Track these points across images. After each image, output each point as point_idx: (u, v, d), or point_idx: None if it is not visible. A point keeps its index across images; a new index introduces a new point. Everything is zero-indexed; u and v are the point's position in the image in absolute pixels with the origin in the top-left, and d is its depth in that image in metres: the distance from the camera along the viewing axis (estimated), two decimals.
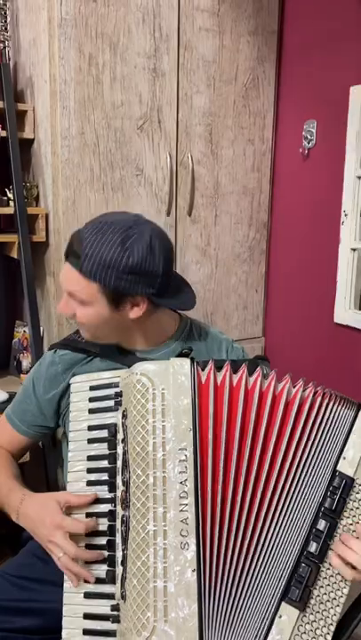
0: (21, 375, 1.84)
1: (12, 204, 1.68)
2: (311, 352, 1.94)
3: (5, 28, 1.70)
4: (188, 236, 1.89)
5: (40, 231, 1.68)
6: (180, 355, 1.00)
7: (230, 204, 1.96)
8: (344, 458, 0.89)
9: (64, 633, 0.93)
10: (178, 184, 1.83)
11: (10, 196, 1.69)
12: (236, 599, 0.86)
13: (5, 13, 1.71)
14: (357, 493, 0.89)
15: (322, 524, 0.87)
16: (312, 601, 0.86)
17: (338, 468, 0.89)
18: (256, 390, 0.92)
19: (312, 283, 1.91)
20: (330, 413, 0.92)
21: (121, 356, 1.12)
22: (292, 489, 0.90)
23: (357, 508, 0.88)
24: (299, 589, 0.85)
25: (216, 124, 1.87)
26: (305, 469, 0.90)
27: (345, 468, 0.89)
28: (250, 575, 0.87)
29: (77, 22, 1.56)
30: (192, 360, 0.95)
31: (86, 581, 0.95)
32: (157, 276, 1.01)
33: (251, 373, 0.95)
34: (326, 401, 0.92)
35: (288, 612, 0.85)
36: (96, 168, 1.67)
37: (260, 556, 0.88)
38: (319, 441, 0.91)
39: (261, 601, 0.86)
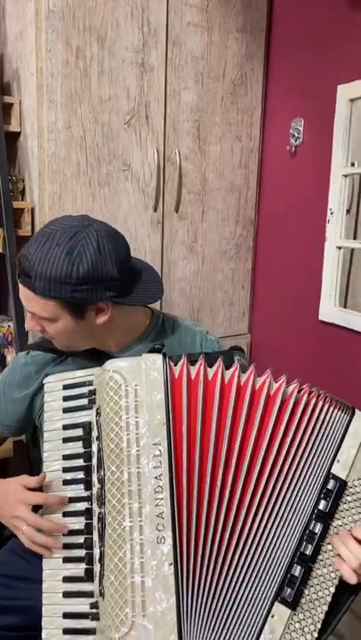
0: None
1: None
2: (296, 349, 1.95)
3: None
4: (174, 233, 1.88)
5: (26, 225, 1.67)
6: (153, 350, 0.98)
7: (217, 201, 1.96)
8: (338, 461, 0.91)
9: (44, 633, 0.93)
10: (165, 180, 1.82)
11: None
12: (219, 594, 0.87)
13: None
14: (348, 496, 0.90)
15: (316, 527, 0.88)
16: (302, 600, 0.87)
17: (332, 471, 0.90)
18: (233, 384, 0.92)
19: (298, 280, 1.92)
20: (326, 416, 0.92)
21: (93, 355, 1.12)
22: (284, 489, 0.90)
23: (348, 509, 0.90)
24: (292, 590, 0.86)
25: (204, 121, 1.87)
26: (298, 471, 0.91)
27: (339, 471, 0.90)
28: (235, 571, 0.88)
29: (65, 15, 1.55)
30: (164, 355, 0.95)
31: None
32: (113, 278, 0.99)
33: (227, 365, 0.95)
34: (322, 403, 0.93)
35: (280, 612, 0.86)
36: (83, 162, 1.66)
37: (246, 552, 0.88)
38: (315, 443, 0.92)
39: (251, 598, 0.87)
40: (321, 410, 0.92)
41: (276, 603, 0.86)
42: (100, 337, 1.08)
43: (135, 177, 1.76)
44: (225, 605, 0.87)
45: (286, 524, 0.89)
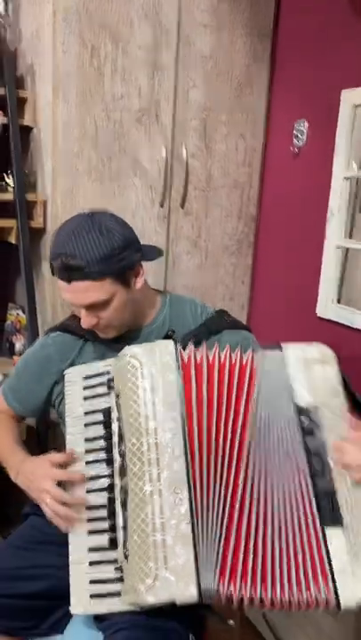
0: (14, 357, 1.89)
1: (9, 189, 1.72)
2: (293, 342, 2.03)
3: (8, 16, 1.73)
4: (180, 228, 1.95)
5: (38, 217, 1.73)
6: (165, 337, 1.11)
7: (221, 198, 2.02)
8: (297, 393, 1.01)
9: (73, 600, 1.01)
10: (172, 176, 1.88)
11: (8, 181, 1.73)
12: (236, 544, 0.95)
13: (7, 1, 1.74)
14: (324, 413, 0.99)
15: (314, 453, 0.98)
16: (343, 513, 0.94)
17: (298, 404, 1.00)
18: (227, 364, 1.04)
19: (297, 277, 2.00)
20: (260, 365, 1.03)
21: (111, 342, 1.20)
22: (263, 435, 1.00)
23: (332, 423, 0.99)
24: (329, 511, 0.94)
25: (210, 119, 1.93)
26: (268, 419, 1.00)
27: (302, 401, 1.00)
28: (250, 517, 0.96)
29: (81, 15, 1.60)
30: (175, 341, 1.07)
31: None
32: (136, 240, 1.14)
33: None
34: (251, 357, 1.04)
35: (335, 535, 0.94)
36: (94, 158, 1.72)
37: (254, 501, 0.96)
38: (266, 390, 1.02)
39: (300, 538, 0.94)
40: (253, 362, 1.04)
41: (326, 529, 0.94)
42: (140, 307, 1.19)
43: (144, 173, 1.82)
44: (257, 552, 0.94)
45: (285, 462, 0.98)
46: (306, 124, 1.89)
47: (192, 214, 1.97)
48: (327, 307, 1.84)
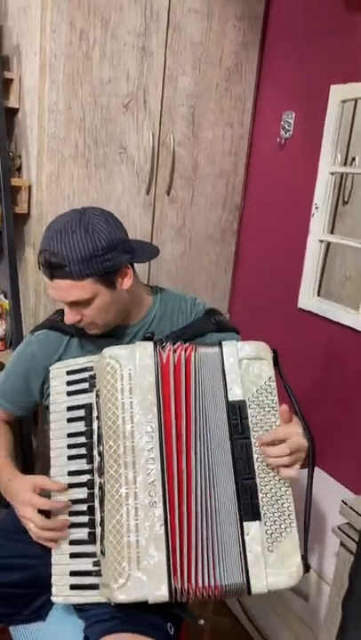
0: None
1: None
2: (273, 333, 2.05)
3: None
4: (165, 216, 1.95)
5: (22, 203, 1.71)
6: (145, 339, 1.11)
7: (207, 186, 2.02)
8: (230, 389, 1.04)
9: (54, 589, 1.05)
10: (159, 164, 1.87)
11: None
12: (208, 538, 0.99)
13: None
14: (254, 408, 1.03)
15: (240, 447, 1.02)
16: (264, 508, 1.01)
17: (229, 399, 1.04)
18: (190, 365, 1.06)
19: (279, 267, 2.02)
20: (198, 356, 1.06)
21: (99, 337, 1.21)
22: (202, 435, 1.03)
23: (262, 418, 1.03)
24: (249, 506, 1.00)
25: (199, 106, 1.92)
26: (202, 415, 1.04)
27: (235, 396, 1.04)
28: (210, 514, 1.01)
29: None
30: (155, 343, 1.07)
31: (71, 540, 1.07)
32: (125, 241, 1.13)
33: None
34: (190, 351, 1.06)
35: (252, 527, 1.00)
36: (81, 144, 1.69)
37: (212, 496, 1.01)
38: (202, 386, 1.05)
39: (227, 530, 1.00)
40: (191, 356, 1.06)
41: (244, 522, 1.00)
42: (126, 307, 1.19)
43: (130, 160, 1.80)
44: (216, 546, 1.00)
45: (219, 460, 1.02)
46: (293, 116, 1.89)
47: (177, 202, 1.97)
48: (309, 299, 1.87)
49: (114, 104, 1.72)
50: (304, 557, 1.01)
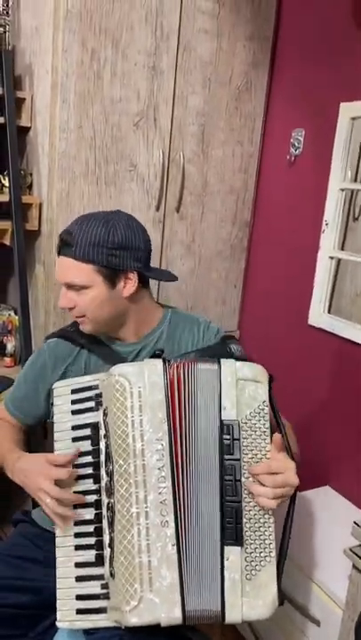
0: (5, 358, 1.88)
1: (5, 190, 1.71)
2: (283, 349, 2.05)
3: (7, 13, 1.71)
4: (174, 232, 1.95)
5: (33, 220, 1.72)
6: (154, 355, 1.09)
7: (216, 203, 2.03)
8: (225, 408, 1.02)
9: (59, 615, 1.02)
10: (168, 181, 1.88)
11: (3, 182, 1.72)
12: (200, 559, 0.97)
13: None
14: (246, 431, 1.01)
15: (228, 469, 1.00)
16: (247, 533, 0.98)
17: (223, 418, 1.01)
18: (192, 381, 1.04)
19: (289, 284, 2.01)
20: (196, 379, 1.04)
21: (106, 351, 1.21)
22: (197, 451, 1.01)
23: (252, 442, 1.01)
24: (232, 530, 0.97)
25: (208, 125, 1.93)
26: (199, 431, 1.02)
27: (228, 415, 1.01)
28: (201, 536, 0.98)
29: (82, 16, 1.58)
30: (164, 360, 1.05)
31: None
32: (141, 249, 1.15)
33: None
34: (189, 370, 1.04)
35: (232, 552, 0.97)
36: (91, 161, 1.71)
37: (202, 517, 0.99)
38: (199, 402, 1.03)
39: (210, 553, 0.98)
40: (190, 371, 1.03)
41: (225, 547, 0.97)
42: (124, 317, 1.19)
43: (140, 177, 1.81)
44: (204, 568, 0.97)
45: (208, 479, 1.00)
46: (303, 133, 1.89)
47: (187, 219, 1.97)
48: (319, 316, 1.86)
49: (124, 122, 1.74)
50: (280, 589, 0.98)
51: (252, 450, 1.01)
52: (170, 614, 0.93)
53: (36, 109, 1.71)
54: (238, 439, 1.00)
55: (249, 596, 0.96)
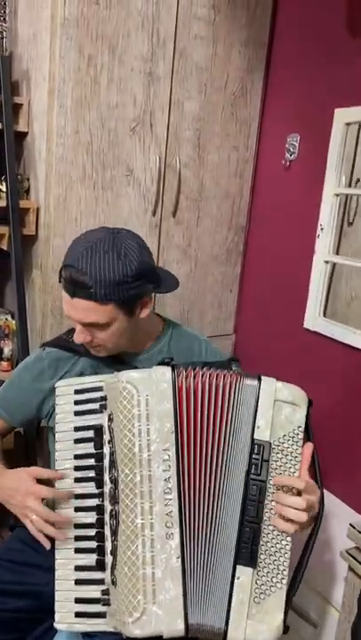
0: (2, 362, 1.88)
1: (2, 195, 1.72)
2: (278, 352, 2.06)
3: (4, 19, 1.72)
4: (171, 236, 1.96)
5: (30, 224, 1.73)
6: (162, 363, 1.07)
7: (212, 208, 2.04)
8: (258, 427, 1.00)
9: (57, 617, 1.02)
10: (165, 186, 1.89)
11: (1, 187, 1.72)
12: (208, 574, 0.97)
13: (5, 4, 1.73)
14: (277, 453, 1.00)
15: (253, 490, 0.98)
16: (262, 556, 0.97)
17: (255, 437, 0.99)
18: (213, 389, 1.02)
19: (284, 288, 2.02)
20: (234, 392, 1.02)
21: (107, 359, 1.20)
22: (223, 468, 1.00)
23: (281, 465, 0.99)
24: (247, 551, 0.97)
25: (204, 130, 1.94)
26: (227, 448, 1.00)
27: (261, 435, 0.99)
28: (214, 550, 0.98)
29: (79, 23, 1.59)
30: (172, 368, 1.03)
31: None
32: (153, 271, 1.11)
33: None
34: (230, 382, 1.02)
35: (244, 573, 0.97)
36: (88, 166, 1.72)
37: (217, 532, 0.98)
38: (232, 419, 1.01)
39: (222, 569, 0.98)
40: (229, 388, 1.01)
41: (237, 566, 0.96)
42: (137, 335, 1.17)
43: (137, 182, 1.82)
44: (212, 584, 0.97)
45: (230, 496, 0.99)
46: (298, 139, 1.91)
47: (183, 223, 1.98)
48: (315, 319, 1.87)
49: (121, 128, 1.75)
50: (285, 618, 0.97)
51: (280, 473, 0.99)
52: (172, 626, 0.94)
53: (34, 115, 1.72)
54: (268, 461, 0.99)
55: (254, 618, 0.95)
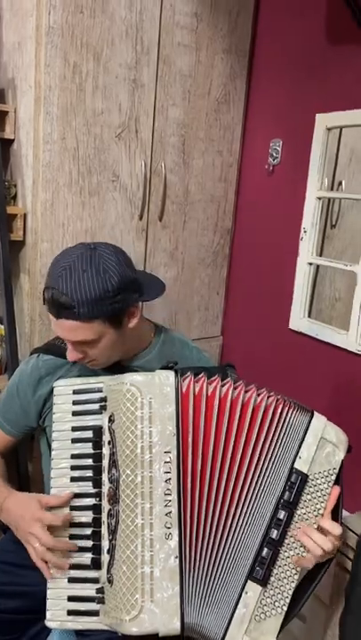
0: None
1: None
2: (265, 353, 2.09)
3: None
4: (157, 240, 1.99)
5: (18, 230, 1.74)
6: (165, 367, 1.09)
7: (198, 211, 2.07)
8: (300, 457, 1.03)
9: (48, 614, 1.03)
10: (151, 191, 1.92)
11: None
12: (211, 578, 1.00)
13: None
14: (310, 487, 1.03)
15: (281, 514, 1.01)
16: (272, 578, 1.00)
17: (295, 465, 1.03)
18: (228, 399, 1.04)
19: (270, 290, 2.06)
20: (287, 418, 1.05)
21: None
22: (255, 484, 1.02)
23: (310, 499, 1.03)
24: (262, 569, 0.99)
25: (189, 136, 1.97)
26: (266, 468, 1.03)
27: (301, 465, 1.03)
28: (222, 557, 1.00)
29: (64, 32, 1.62)
30: (176, 372, 1.05)
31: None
32: (134, 281, 1.11)
33: (221, 381, 1.07)
34: (281, 407, 1.05)
35: (253, 589, 0.99)
36: (75, 172, 1.74)
37: (229, 541, 1.01)
38: (278, 443, 1.04)
39: (232, 580, 1.00)
40: (282, 413, 1.05)
41: (248, 581, 0.99)
42: (127, 344, 1.17)
43: (123, 187, 1.85)
44: (216, 588, 1.00)
45: (256, 513, 1.02)
46: (281, 144, 1.95)
47: (170, 227, 2.01)
48: (299, 320, 1.90)
49: (106, 134, 1.77)
50: None
51: (307, 506, 1.02)
52: (168, 625, 0.96)
53: (20, 122, 1.74)
54: (301, 493, 1.02)
55: (250, 635, 0.98)
